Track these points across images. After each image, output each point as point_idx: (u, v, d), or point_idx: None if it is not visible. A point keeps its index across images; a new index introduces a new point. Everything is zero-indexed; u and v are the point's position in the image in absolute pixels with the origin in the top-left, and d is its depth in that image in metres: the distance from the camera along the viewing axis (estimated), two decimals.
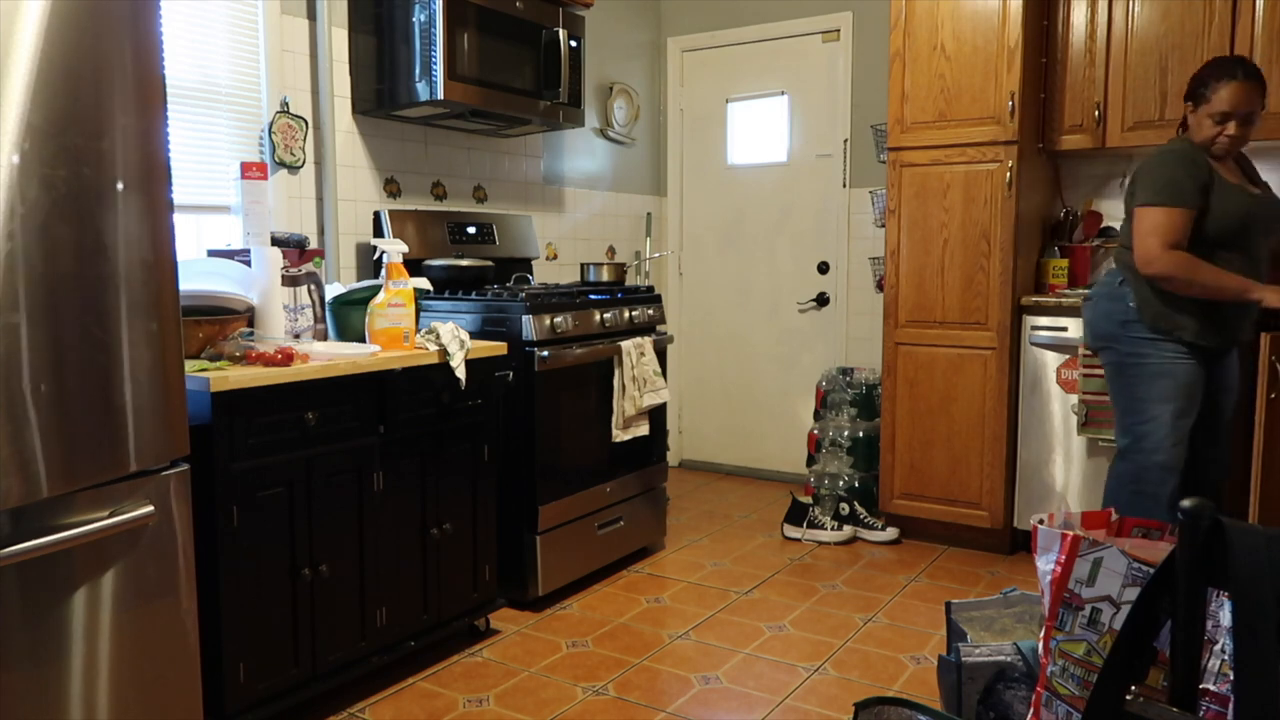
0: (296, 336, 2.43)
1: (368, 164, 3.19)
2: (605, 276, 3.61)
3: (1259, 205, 2.56)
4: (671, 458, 4.68)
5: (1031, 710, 1.50)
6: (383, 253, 2.46)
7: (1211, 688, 1.26)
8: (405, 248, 2.47)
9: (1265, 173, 3.40)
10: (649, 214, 4.65)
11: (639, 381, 3.16)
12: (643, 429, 3.22)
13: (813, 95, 4.34)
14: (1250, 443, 2.81)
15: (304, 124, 2.96)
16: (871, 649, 2.64)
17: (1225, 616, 1.26)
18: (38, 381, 1.36)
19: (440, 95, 2.90)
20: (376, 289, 2.45)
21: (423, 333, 2.55)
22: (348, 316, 2.53)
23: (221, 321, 2.15)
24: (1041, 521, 1.53)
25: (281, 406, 2.07)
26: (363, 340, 2.45)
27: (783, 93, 4.42)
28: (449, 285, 3.14)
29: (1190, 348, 2.57)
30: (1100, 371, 3.15)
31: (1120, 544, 1.42)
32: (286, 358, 2.08)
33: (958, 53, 3.36)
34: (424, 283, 2.64)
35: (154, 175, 1.54)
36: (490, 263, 3.26)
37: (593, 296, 3.11)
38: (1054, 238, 3.66)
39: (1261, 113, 2.55)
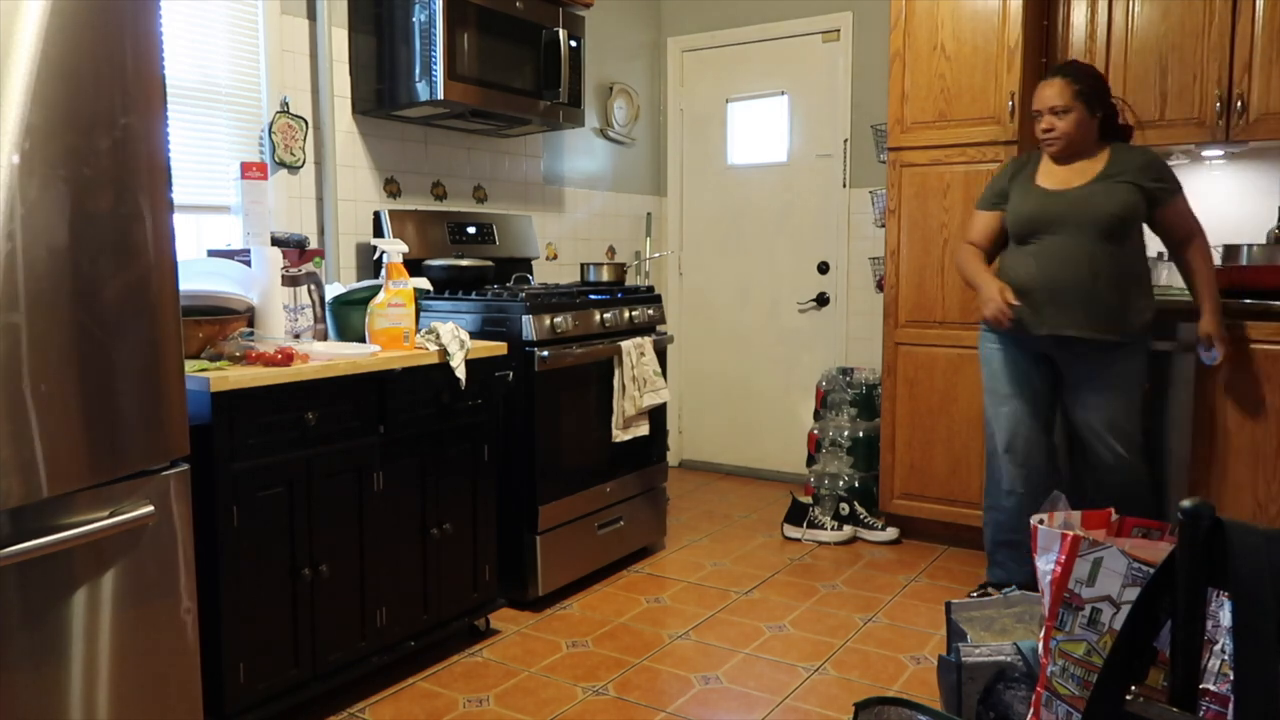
0: (296, 336, 2.43)
1: (368, 164, 3.19)
2: (605, 276, 3.61)
3: (1054, 203, 2.66)
4: (671, 458, 4.68)
5: (1031, 710, 1.50)
6: (383, 253, 2.46)
7: (1211, 688, 1.26)
8: (405, 248, 2.47)
9: (1265, 173, 3.41)
10: (649, 214, 4.65)
11: (639, 381, 3.16)
12: (643, 429, 3.22)
13: (813, 95, 4.34)
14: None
15: (304, 124, 2.96)
16: (871, 649, 2.64)
17: (1225, 616, 1.26)
18: (38, 381, 1.36)
19: (440, 95, 2.90)
20: (376, 289, 2.45)
21: (423, 333, 2.55)
22: (348, 316, 2.53)
23: (221, 321, 2.15)
24: (1041, 522, 1.53)
25: (281, 406, 2.07)
26: (363, 340, 2.45)
27: (783, 93, 4.42)
28: (449, 285, 3.14)
29: (998, 335, 2.81)
30: None
31: (1120, 544, 1.42)
32: (286, 358, 2.08)
33: (958, 53, 3.36)
34: (424, 283, 2.64)
35: (154, 175, 1.54)
36: (490, 263, 3.26)
37: (593, 296, 3.11)
38: None
39: (1075, 107, 2.62)
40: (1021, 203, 2.73)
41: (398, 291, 2.41)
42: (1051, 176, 2.72)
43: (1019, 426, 2.80)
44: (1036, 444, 2.81)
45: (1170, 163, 3.55)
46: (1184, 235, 2.70)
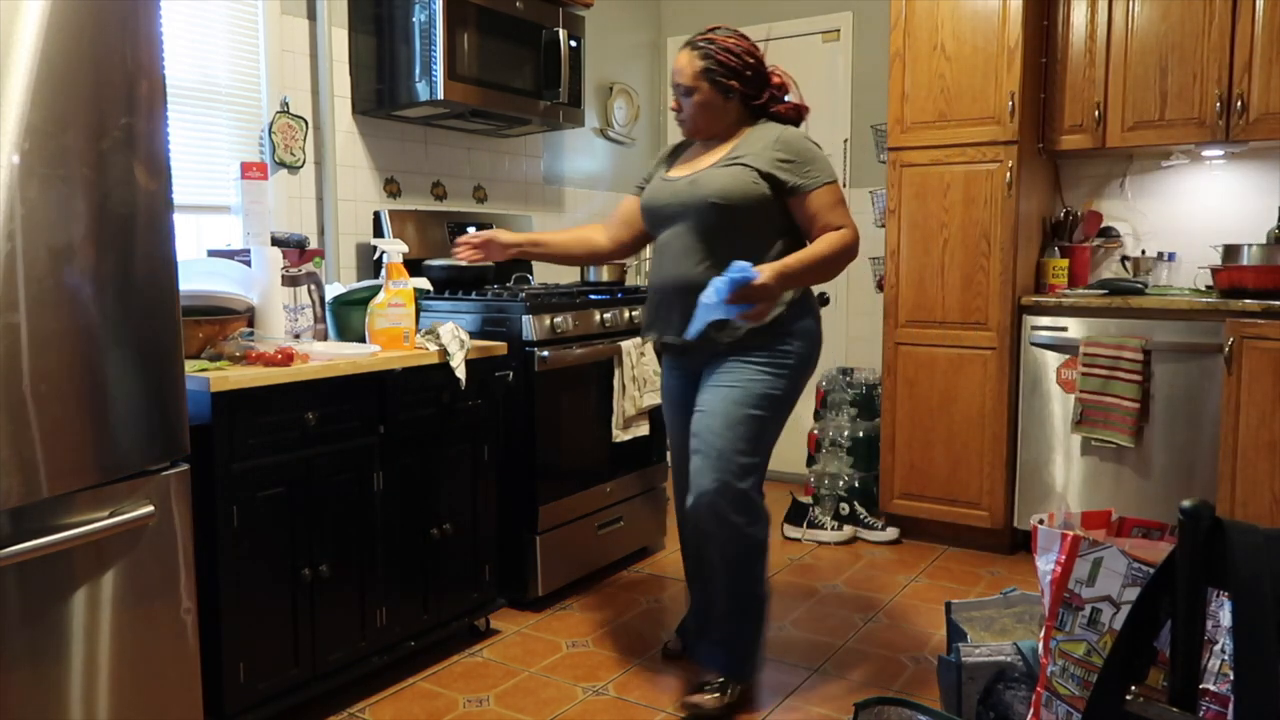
0: (296, 336, 2.43)
1: (368, 164, 3.19)
2: (605, 276, 3.61)
3: (666, 191, 2.31)
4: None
5: (1031, 710, 1.50)
6: (383, 253, 2.46)
7: (1211, 688, 1.26)
8: (405, 248, 2.47)
9: (1265, 173, 3.40)
10: None
11: (639, 381, 3.15)
12: (643, 429, 3.22)
13: (813, 95, 4.33)
14: None
15: (304, 124, 2.96)
16: (871, 649, 2.64)
17: (1225, 616, 1.26)
18: (38, 381, 1.36)
19: (440, 95, 2.90)
20: (376, 289, 2.45)
21: (423, 333, 2.55)
22: (348, 316, 2.53)
23: (221, 321, 2.15)
24: (1041, 521, 1.53)
25: (281, 406, 2.07)
26: (363, 340, 2.45)
27: None
28: (449, 285, 3.14)
29: (663, 354, 2.45)
30: (1099, 371, 3.16)
31: (1120, 544, 1.42)
32: (286, 358, 2.08)
33: (958, 53, 3.36)
34: (424, 283, 2.64)
35: (154, 175, 1.54)
36: (490, 263, 3.26)
37: (593, 296, 3.11)
38: (1054, 238, 3.66)
39: (700, 88, 2.25)
40: (647, 191, 2.39)
41: (398, 291, 2.41)
42: (686, 162, 2.36)
43: (679, 458, 2.41)
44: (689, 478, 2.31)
45: (1170, 163, 3.56)
46: (820, 231, 2.19)
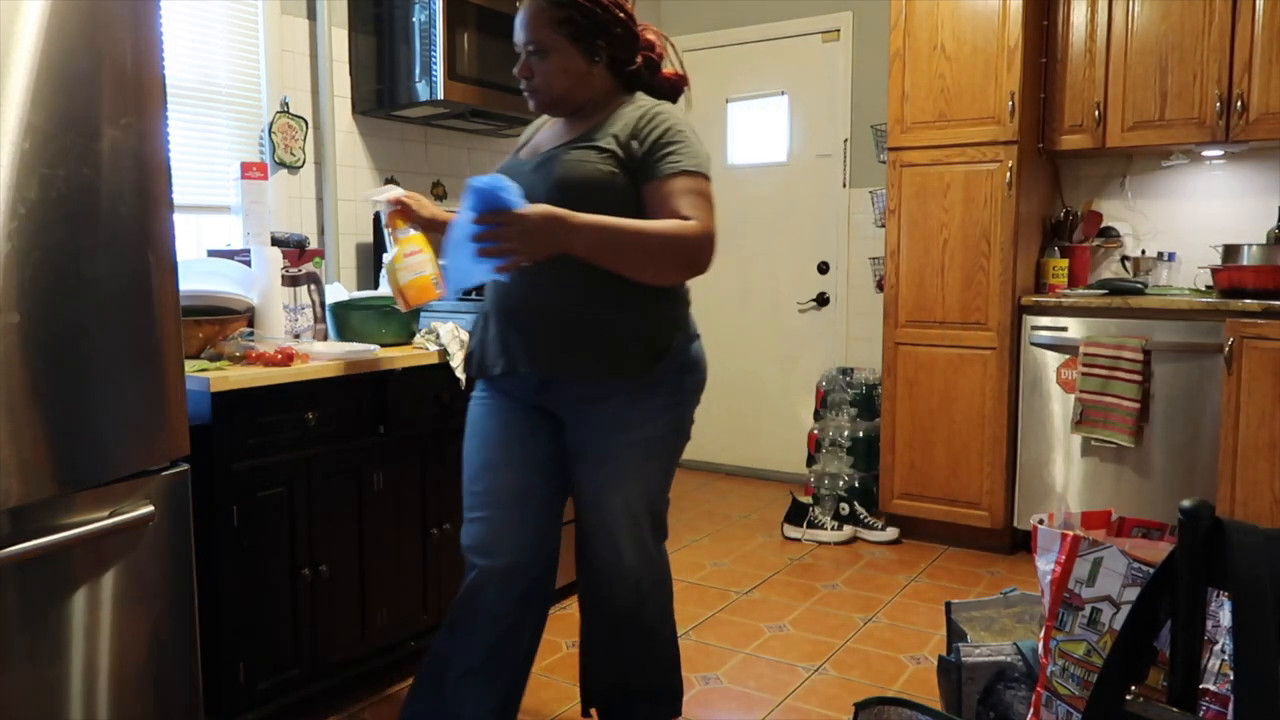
0: (296, 336, 2.43)
1: (368, 164, 3.19)
2: None
3: (513, 176, 1.69)
4: None
5: (1031, 710, 1.50)
6: (378, 210, 2.12)
7: (1211, 688, 1.26)
8: (401, 191, 2.02)
9: (1265, 173, 3.40)
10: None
11: None
12: None
13: (813, 95, 4.34)
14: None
15: (304, 124, 2.96)
16: (871, 649, 2.64)
17: (1225, 616, 1.26)
18: (38, 381, 1.36)
19: (440, 95, 2.90)
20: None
21: (423, 333, 2.55)
22: (348, 317, 2.53)
23: (221, 321, 2.15)
24: (1041, 521, 1.53)
25: (281, 406, 2.07)
26: (362, 341, 2.45)
27: (783, 93, 4.42)
28: None
29: (485, 384, 1.88)
30: (1099, 371, 3.16)
31: (1120, 544, 1.42)
32: (286, 358, 2.08)
33: (958, 53, 3.36)
34: None
35: (154, 175, 1.54)
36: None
37: None
38: (1054, 238, 3.66)
39: (557, 46, 1.70)
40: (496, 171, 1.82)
41: (407, 240, 1.99)
42: (544, 141, 1.84)
43: (488, 512, 1.83)
44: (516, 539, 1.83)
45: (1170, 163, 3.56)
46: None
